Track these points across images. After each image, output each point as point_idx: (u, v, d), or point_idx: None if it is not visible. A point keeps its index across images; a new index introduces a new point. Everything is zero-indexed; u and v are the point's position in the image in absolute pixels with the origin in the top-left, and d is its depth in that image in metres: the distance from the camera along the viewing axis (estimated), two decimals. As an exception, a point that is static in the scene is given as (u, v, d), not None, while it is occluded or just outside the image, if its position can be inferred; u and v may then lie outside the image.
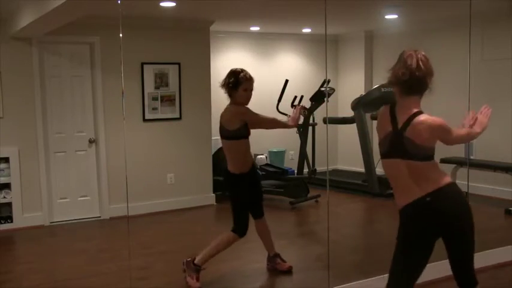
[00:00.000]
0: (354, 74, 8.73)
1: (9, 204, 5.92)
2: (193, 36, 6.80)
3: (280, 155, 8.20)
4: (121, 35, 4.25)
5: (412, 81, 2.54)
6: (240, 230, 4.05)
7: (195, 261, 4.07)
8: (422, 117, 2.53)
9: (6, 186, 5.91)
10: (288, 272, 4.31)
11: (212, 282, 4.20)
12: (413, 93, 2.58)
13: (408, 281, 2.63)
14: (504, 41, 6.43)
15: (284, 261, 4.35)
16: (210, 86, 6.77)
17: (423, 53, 2.60)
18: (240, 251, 4.37)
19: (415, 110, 2.56)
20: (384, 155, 2.66)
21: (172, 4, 5.40)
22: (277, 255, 4.37)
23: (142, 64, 6.49)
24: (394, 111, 2.62)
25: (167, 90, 6.64)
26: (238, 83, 3.92)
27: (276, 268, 4.34)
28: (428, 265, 2.63)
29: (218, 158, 6.66)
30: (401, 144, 2.56)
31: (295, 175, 7.36)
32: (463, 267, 2.65)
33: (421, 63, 2.54)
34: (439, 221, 2.56)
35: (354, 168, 8.38)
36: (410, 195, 2.58)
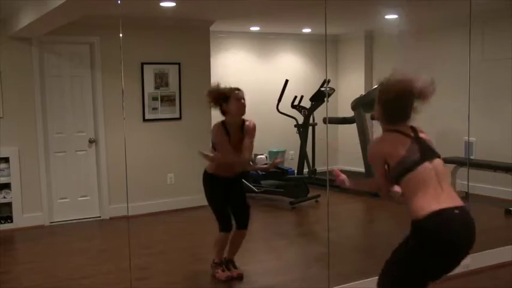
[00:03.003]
0: (354, 74, 8.73)
1: (9, 204, 5.92)
2: (193, 36, 6.80)
3: (280, 155, 8.20)
4: (121, 35, 4.25)
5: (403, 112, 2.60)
6: (222, 226, 4.11)
7: (215, 261, 4.24)
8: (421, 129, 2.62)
9: (6, 186, 5.91)
10: (239, 278, 4.20)
11: (212, 282, 4.20)
12: (404, 121, 2.62)
13: None
14: (504, 41, 6.43)
15: (236, 268, 4.27)
16: (210, 86, 6.76)
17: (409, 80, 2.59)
18: (239, 251, 4.36)
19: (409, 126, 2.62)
20: (417, 162, 2.48)
21: (172, 4, 5.40)
22: (231, 261, 4.29)
23: (142, 64, 6.49)
24: (398, 130, 2.59)
25: (167, 90, 6.64)
26: (227, 95, 3.90)
27: (228, 273, 4.20)
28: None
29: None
30: (429, 147, 2.54)
31: (295, 175, 7.36)
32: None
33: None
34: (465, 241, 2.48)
35: (354, 168, 8.38)
36: (457, 199, 2.48)
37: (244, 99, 3.95)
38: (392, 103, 2.57)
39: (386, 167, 2.59)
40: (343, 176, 2.88)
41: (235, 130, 3.97)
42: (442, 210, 2.40)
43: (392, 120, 2.60)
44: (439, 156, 2.56)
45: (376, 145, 2.66)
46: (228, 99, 3.91)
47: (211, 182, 4.09)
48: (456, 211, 2.43)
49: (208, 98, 3.96)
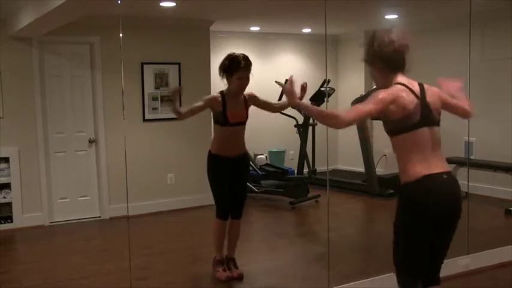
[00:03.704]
0: (354, 74, 8.73)
1: (9, 204, 5.92)
2: (193, 36, 6.80)
3: (280, 155, 8.20)
4: (121, 35, 4.25)
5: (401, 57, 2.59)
6: (219, 212, 4.11)
7: (216, 258, 4.23)
8: (428, 86, 2.61)
9: (6, 186, 5.91)
10: (239, 279, 4.19)
11: (212, 282, 4.20)
12: (403, 69, 2.61)
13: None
14: (504, 41, 6.43)
15: (237, 268, 4.27)
16: (210, 86, 6.76)
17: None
18: (239, 251, 4.36)
19: (417, 82, 2.60)
20: (415, 126, 2.51)
21: (172, 4, 5.40)
22: (232, 260, 4.28)
23: (142, 64, 6.49)
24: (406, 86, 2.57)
25: (167, 90, 6.63)
26: (233, 70, 3.92)
27: (228, 273, 4.19)
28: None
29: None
30: (432, 113, 2.55)
31: (295, 175, 7.36)
32: (442, 259, 2.65)
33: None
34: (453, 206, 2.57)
35: (354, 168, 8.38)
36: (446, 166, 2.58)
37: (248, 77, 3.96)
38: (394, 54, 2.57)
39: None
40: (294, 90, 2.74)
41: (235, 102, 4.01)
42: (432, 175, 2.49)
43: (396, 69, 2.59)
44: (438, 124, 2.59)
45: (395, 89, 2.55)
46: (233, 74, 3.93)
47: (215, 162, 4.06)
48: (445, 176, 2.53)
49: (221, 66, 4.02)
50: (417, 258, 2.56)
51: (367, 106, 2.50)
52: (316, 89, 7.32)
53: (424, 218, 2.49)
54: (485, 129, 6.55)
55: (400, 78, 2.59)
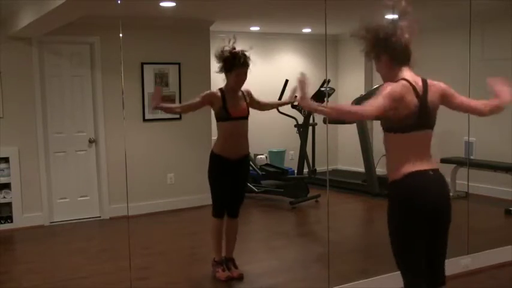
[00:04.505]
0: (354, 74, 8.73)
1: (9, 204, 5.92)
2: (193, 36, 6.80)
3: (280, 155, 8.20)
4: (121, 35, 4.25)
5: (407, 48, 2.60)
6: (216, 211, 4.12)
7: (215, 259, 4.23)
8: (434, 81, 2.61)
9: (6, 186, 5.91)
10: (239, 279, 4.18)
11: (212, 282, 4.21)
12: (408, 62, 2.60)
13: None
14: (504, 41, 6.43)
15: (236, 267, 4.27)
16: (210, 86, 6.75)
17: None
18: (239, 251, 4.36)
19: (421, 77, 2.60)
20: (411, 128, 2.51)
21: (172, 4, 5.40)
22: (231, 260, 4.28)
23: (142, 64, 6.49)
24: (410, 82, 2.54)
25: (167, 90, 6.63)
26: (232, 66, 3.93)
27: (228, 273, 4.19)
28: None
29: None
30: (428, 114, 2.55)
31: (295, 175, 7.36)
32: (441, 258, 2.64)
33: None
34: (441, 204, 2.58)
35: (354, 168, 8.38)
36: (434, 164, 2.58)
37: (246, 72, 3.98)
38: (400, 45, 2.58)
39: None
40: (307, 93, 2.52)
41: (234, 98, 4.03)
42: (417, 172, 2.50)
43: (403, 61, 2.59)
44: (432, 127, 2.59)
45: (401, 87, 2.50)
46: (232, 70, 3.95)
47: (218, 162, 4.06)
48: (431, 172, 2.54)
49: (220, 61, 4.01)
50: (413, 256, 2.55)
51: (380, 101, 2.44)
52: (316, 89, 7.32)
53: (413, 214, 2.50)
54: (485, 129, 6.55)
55: (406, 73, 2.57)
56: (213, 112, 4.13)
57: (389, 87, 2.48)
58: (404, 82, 2.52)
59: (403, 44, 2.57)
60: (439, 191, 2.56)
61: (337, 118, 2.58)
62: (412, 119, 2.50)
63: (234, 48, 3.98)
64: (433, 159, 2.61)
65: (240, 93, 4.08)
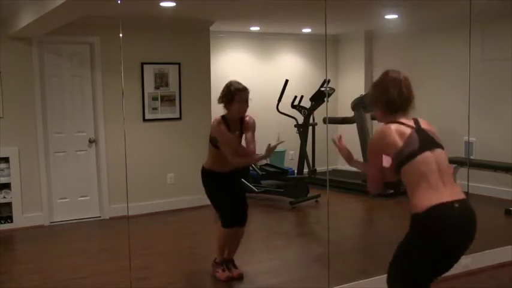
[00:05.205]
0: (354, 74, 8.73)
1: (9, 204, 5.92)
2: (193, 36, 6.80)
3: (280, 155, 8.20)
4: (121, 35, 4.25)
5: (403, 100, 2.57)
6: (225, 222, 4.11)
7: (216, 260, 4.25)
8: (421, 119, 2.59)
9: (6, 186, 5.91)
10: (239, 279, 4.20)
11: (212, 282, 4.20)
12: (404, 110, 2.59)
13: None
14: (504, 41, 6.43)
15: (236, 268, 4.28)
16: (210, 86, 6.77)
17: (406, 76, 2.63)
18: (239, 251, 4.36)
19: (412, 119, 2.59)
20: (416, 152, 2.43)
21: (172, 4, 5.39)
22: (231, 260, 4.29)
23: (142, 64, 6.49)
24: (399, 123, 2.55)
25: (167, 90, 6.63)
26: (232, 95, 3.94)
27: (228, 273, 4.20)
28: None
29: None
30: (430, 137, 2.51)
31: (295, 175, 7.36)
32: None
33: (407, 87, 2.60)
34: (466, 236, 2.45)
35: (353, 168, 8.37)
36: (459, 193, 2.45)
37: (247, 100, 3.99)
38: (392, 94, 2.57)
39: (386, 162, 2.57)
40: (345, 147, 2.94)
41: (235, 125, 4.05)
42: (441, 205, 2.35)
43: (395, 110, 2.58)
44: (441, 147, 2.52)
45: (377, 136, 2.58)
46: (232, 99, 3.95)
47: (211, 177, 4.11)
48: (456, 205, 2.38)
49: (220, 95, 4.02)
50: (415, 285, 2.51)
51: (372, 164, 2.61)
52: (316, 89, 7.32)
53: (433, 253, 2.39)
54: (485, 129, 6.56)
55: (398, 118, 2.57)
56: (213, 112, 4.13)
57: (370, 144, 2.66)
58: (388, 124, 2.54)
59: (400, 96, 2.57)
60: (463, 226, 2.40)
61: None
62: (413, 144, 2.45)
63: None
64: (457, 185, 2.50)
65: (239, 119, 4.07)
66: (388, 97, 2.58)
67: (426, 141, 2.48)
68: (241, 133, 4.09)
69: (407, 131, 2.49)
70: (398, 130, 2.50)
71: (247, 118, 4.09)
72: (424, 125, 2.57)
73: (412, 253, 2.45)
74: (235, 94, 3.94)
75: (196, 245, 5.27)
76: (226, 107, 4.00)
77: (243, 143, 4.10)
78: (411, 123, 2.55)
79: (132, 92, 6.39)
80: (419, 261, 2.43)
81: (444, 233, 2.36)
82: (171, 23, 6.50)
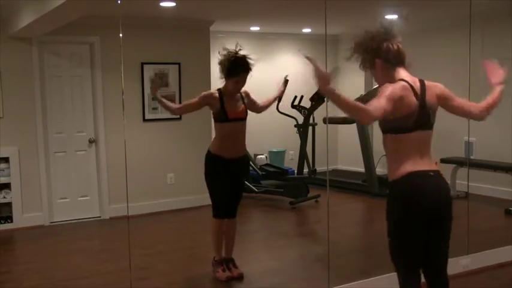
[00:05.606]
0: (354, 74, 8.71)
1: (9, 204, 5.92)
2: (193, 36, 6.80)
3: (280, 155, 8.20)
4: (121, 35, 4.25)
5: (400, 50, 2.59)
6: (216, 211, 4.12)
7: (215, 258, 4.24)
8: (431, 82, 2.62)
9: (6, 186, 5.91)
10: (239, 279, 4.19)
11: (212, 282, 4.20)
12: (402, 61, 2.61)
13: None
14: (504, 41, 6.42)
15: (236, 267, 4.27)
16: (210, 86, 6.75)
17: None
18: (239, 251, 4.36)
19: (418, 78, 2.60)
20: (410, 129, 2.52)
21: (172, 4, 5.40)
22: (231, 260, 4.28)
23: (142, 64, 6.49)
24: (408, 83, 2.54)
25: (167, 90, 6.63)
26: (233, 72, 3.96)
27: (228, 273, 4.19)
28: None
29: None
30: (427, 114, 2.56)
31: (295, 175, 7.36)
32: (442, 259, 2.64)
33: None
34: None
35: (353, 168, 8.38)
36: (434, 166, 2.60)
37: (245, 80, 4.03)
38: (391, 47, 2.58)
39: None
40: (326, 73, 2.52)
41: (231, 98, 4.07)
42: (417, 171, 2.51)
43: (397, 63, 2.59)
44: (431, 128, 2.61)
45: (402, 87, 2.50)
46: (231, 76, 3.98)
47: (214, 163, 4.08)
48: (431, 173, 2.55)
49: (221, 65, 4.07)
50: (409, 255, 2.56)
51: (382, 103, 2.42)
52: (316, 89, 7.32)
53: (411, 214, 2.51)
54: (485, 129, 6.54)
55: (402, 73, 2.58)
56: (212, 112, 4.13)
57: (390, 88, 2.48)
58: (403, 82, 2.52)
59: (394, 47, 2.58)
60: (438, 191, 2.56)
61: (345, 110, 2.43)
62: (412, 119, 2.50)
63: (237, 53, 3.99)
64: (433, 160, 2.62)
65: (238, 95, 4.11)
66: (385, 46, 2.58)
67: (422, 120, 2.55)
68: (244, 105, 4.12)
69: (414, 102, 2.50)
70: (411, 99, 2.50)
71: (243, 94, 4.16)
72: (429, 94, 2.57)
73: (396, 222, 2.57)
74: (237, 75, 3.97)
75: (196, 245, 5.27)
76: (225, 78, 4.04)
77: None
78: (417, 86, 2.55)
79: (132, 92, 6.39)
80: (401, 222, 2.54)
81: (419, 196, 2.50)
82: (171, 23, 6.50)
